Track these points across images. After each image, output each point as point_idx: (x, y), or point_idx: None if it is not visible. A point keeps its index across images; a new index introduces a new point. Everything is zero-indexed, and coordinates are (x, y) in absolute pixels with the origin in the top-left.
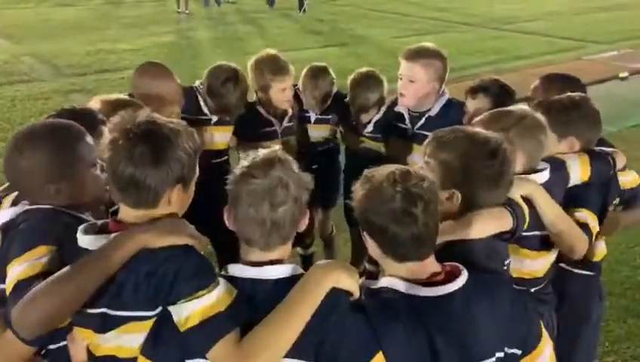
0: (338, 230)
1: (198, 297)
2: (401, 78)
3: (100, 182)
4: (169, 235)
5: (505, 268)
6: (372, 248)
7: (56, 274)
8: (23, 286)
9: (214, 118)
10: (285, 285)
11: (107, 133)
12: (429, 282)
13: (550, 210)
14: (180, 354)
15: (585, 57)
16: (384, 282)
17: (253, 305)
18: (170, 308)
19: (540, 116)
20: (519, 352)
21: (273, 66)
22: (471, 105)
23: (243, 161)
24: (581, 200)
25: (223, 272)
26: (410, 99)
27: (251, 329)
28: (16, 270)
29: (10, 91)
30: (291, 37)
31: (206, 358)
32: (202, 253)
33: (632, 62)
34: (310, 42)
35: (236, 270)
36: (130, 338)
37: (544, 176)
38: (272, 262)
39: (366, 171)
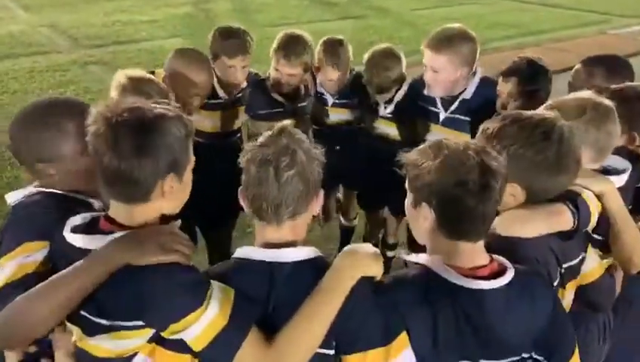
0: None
1: (195, 319)
2: (425, 67)
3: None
4: (155, 254)
5: (562, 270)
6: (423, 222)
7: (34, 290)
8: (6, 292)
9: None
10: (305, 268)
11: (90, 125)
12: (472, 273)
13: (620, 216)
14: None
15: (610, 31)
16: (425, 260)
17: (275, 289)
18: (172, 336)
19: (606, 103)
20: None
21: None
22: (504, 88)
23: (253, 141)
24: None
25: (234, 255)
26: (438, 89)
27: (270, 315)
28: (4, 272)
29: (28, 62)
30: (308, 9)
31: None
32: (190, 262)
33: None
34: (327, 14)
35: (250, 252)
36: (117, 343)
37: (624, 178)
38: (287, 244)
39: (432, 142)
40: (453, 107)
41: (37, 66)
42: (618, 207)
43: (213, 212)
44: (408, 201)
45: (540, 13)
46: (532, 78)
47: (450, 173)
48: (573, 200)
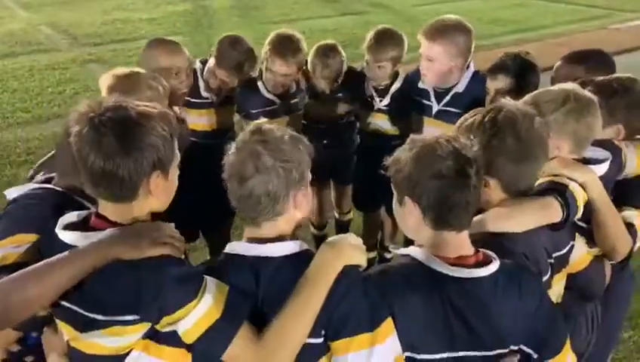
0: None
1: (189, 311)
2: (421, 57)
3: None
4: (144, 249)
5: (552, 260)
6: (409, 217)
7: (19, 273)
8: None
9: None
10: (293, 262)
11: (73, 125)
12: (458, 262)
13: (602, 205)
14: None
15: (611, 26)
16: (412, 251)
17: (262, 284)
18: (166, 328)
19: (588, 95)
20: (535, 355)
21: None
22: (491, 85)
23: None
24: (632, 195)
25: (225, 250)
26: (432, 78)
27: (258, 309)
28: None
29: (28, 61)
30: (308, 5)
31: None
32: (182, 256)
33: None
34: (328, 10)
35: (240, 248)
36: (112, 339)
37: (604, 168)
38: (274, 240)
39: (409, 138)
40: (445, 100)
41: (37, 65)
42: (600, 196)
43: (211, 211)
44: (395, 201)
45: (541, 8)
46: (519, 74)
47: (426, 164)
48: (561, 192)
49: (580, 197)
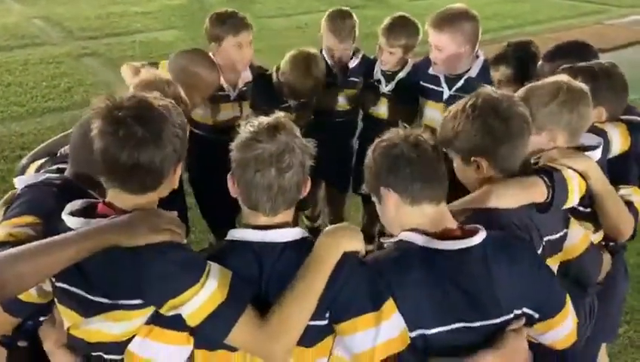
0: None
1: (193, 294)
2: (430, 46)
3: None
4: (144, 235)
5: (544, 242)
6: (389, 206)
7: (18, 248)
8: None
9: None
10: (295, 248)
11: (95, 124)
12: (445, 235)
13: (603, 189)
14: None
15: (606, 22)
16: (401, 235)
17: (265, 269)
18: (169, 312)
19: (580, 86)
20: (536, 315)
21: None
22: (494, 76)
23: (246, 127)
24: (623, 173)
25: (227, 237)
26: (443, 66)
27: (262, 293)
28: None
29: (22, 55)
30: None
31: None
32: (184, 241)
33: None
34: (324, 5)
35: (242, 234)
36: (115, 325)
37: (598, 153)
38: (278, 226)
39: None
40: (458, 85)
41: (31, 58)
42: (600, 181)
43: (220, 206)
44: (376, 203)
45: (539, 3)
46: (520, 65)
47: (385, 153)
48: (549, 173)
49: (575, 184)
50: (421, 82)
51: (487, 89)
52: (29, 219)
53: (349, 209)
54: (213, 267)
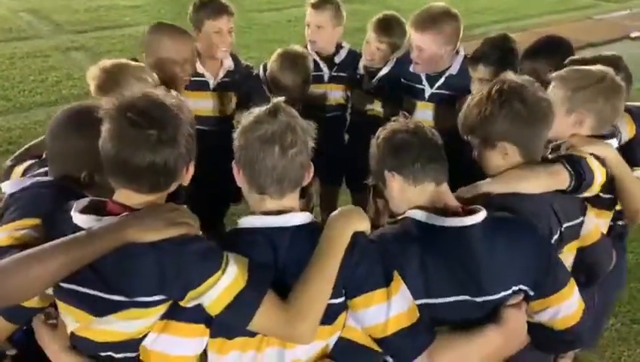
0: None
1: (215, 282)
2: (411, 46)
3: None
4: (161, 230)
5: (563, 228)
6: (393, 187)
7: (34, 249)
8: (4, 251)
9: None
10: (306, 231)
11: (107, 127)
12: (446, 213)
13: (623, 173)
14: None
15: (595, 16)
16: (405, 213)
17: (280, 253)
18: (190, 303)
19: (619, 80)
20: (531, 293)
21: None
22: (474, 75)
23: (246, 116)
24: (633, 158)
25: (238, 226)
26: (424, 67)
27: (281, 278)
28: (0, 236)
29: (8, 48)
30: None
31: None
32: (200, 232)
33: None
34: None
35: (251, 221)
36: (128, 323)
37: (615, 141)
38: (286, 211)
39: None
40: (439, 83)
41: (18, 52)
42: (620, 166)
43: (213, 199)
44: (382, 189)
45: None
46: (499, 61)
47: (388, 140)
48: (572, 161)
49: (598, 173)
50: (402, 79)
51: (511, 75)
52: (30, 221)
53: (339, 203)
54: (230, 255)
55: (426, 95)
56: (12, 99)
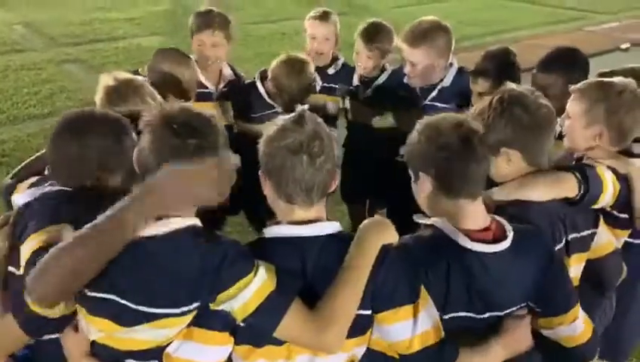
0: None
1: (246, 285)
2: (403, 60)
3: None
4: (169, 207)
5: (569, 238)
6: (423, 190)
7: (67, 240)
8: (32, 260)
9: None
10: (336, 241)
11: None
12: (475, 236)
13: None
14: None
15: (586, 28)
16: (433, 220)
17: (309, 263)
18: (220, 306)
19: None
20: (538, 309)
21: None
22: (473, 88)
23: (269, 127)
24: None
25: (265, 235)
26: (417, 80)
27: (307, 287)
28: (30, 244)
29: (2, 61)
30: (288, 6)
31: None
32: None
33: (634, 32)
34: (307, 12)
35: (278, 230)
36: (157, 332)
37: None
38: (315, 221)
39: (418, 122)
40: (432, 95)
41: (11, 65)
42: None
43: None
44: (412, 181)
45: (518, 10)
46: (499, 76)
47: (432, 138)
48: (582, 170)
49: (609, 184)
50: (399, 90)
51: (511, 84)
52: (54, 228)
53: (334, 214)
54: (258, 261)
55: (420, 106)
56: (5, 112)
